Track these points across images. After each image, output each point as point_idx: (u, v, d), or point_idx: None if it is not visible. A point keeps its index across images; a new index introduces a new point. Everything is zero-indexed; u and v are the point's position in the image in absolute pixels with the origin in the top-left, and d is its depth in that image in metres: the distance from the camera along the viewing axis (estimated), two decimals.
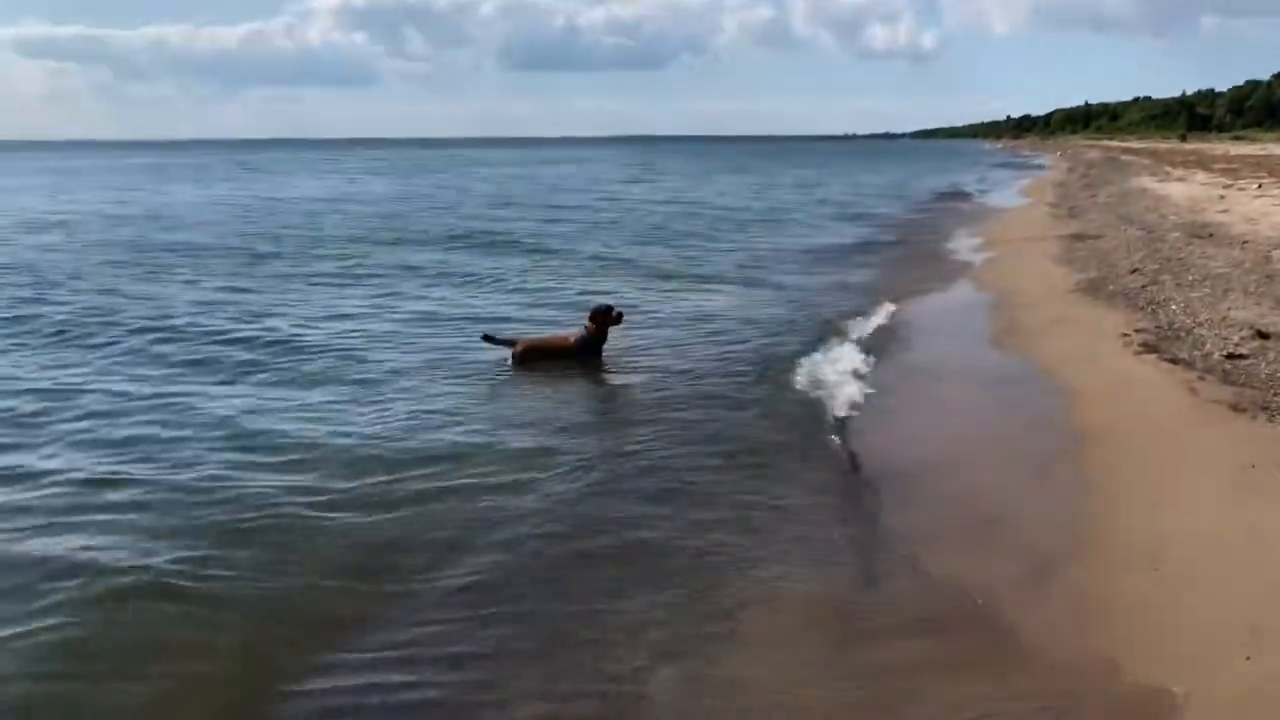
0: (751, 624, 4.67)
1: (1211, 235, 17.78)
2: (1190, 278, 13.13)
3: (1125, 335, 9.96)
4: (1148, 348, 9.34)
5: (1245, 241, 16.51)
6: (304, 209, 32.37)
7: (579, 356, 10.38)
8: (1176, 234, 18.32)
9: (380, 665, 4.32)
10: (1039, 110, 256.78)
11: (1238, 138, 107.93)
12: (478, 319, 12.37)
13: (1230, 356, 8.79)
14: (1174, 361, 8.74)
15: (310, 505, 5.99)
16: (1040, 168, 64.24)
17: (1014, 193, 38.27)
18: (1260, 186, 27.84)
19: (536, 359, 10.30)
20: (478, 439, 7.45)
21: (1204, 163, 48.01)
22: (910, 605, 4.82)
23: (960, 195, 37.90)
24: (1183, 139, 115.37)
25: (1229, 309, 10.85)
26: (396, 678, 4.23)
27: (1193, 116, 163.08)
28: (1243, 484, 5.86)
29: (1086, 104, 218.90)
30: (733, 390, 8.97)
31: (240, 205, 34.68)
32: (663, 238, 22.82)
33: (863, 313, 12.64)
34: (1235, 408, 7.27)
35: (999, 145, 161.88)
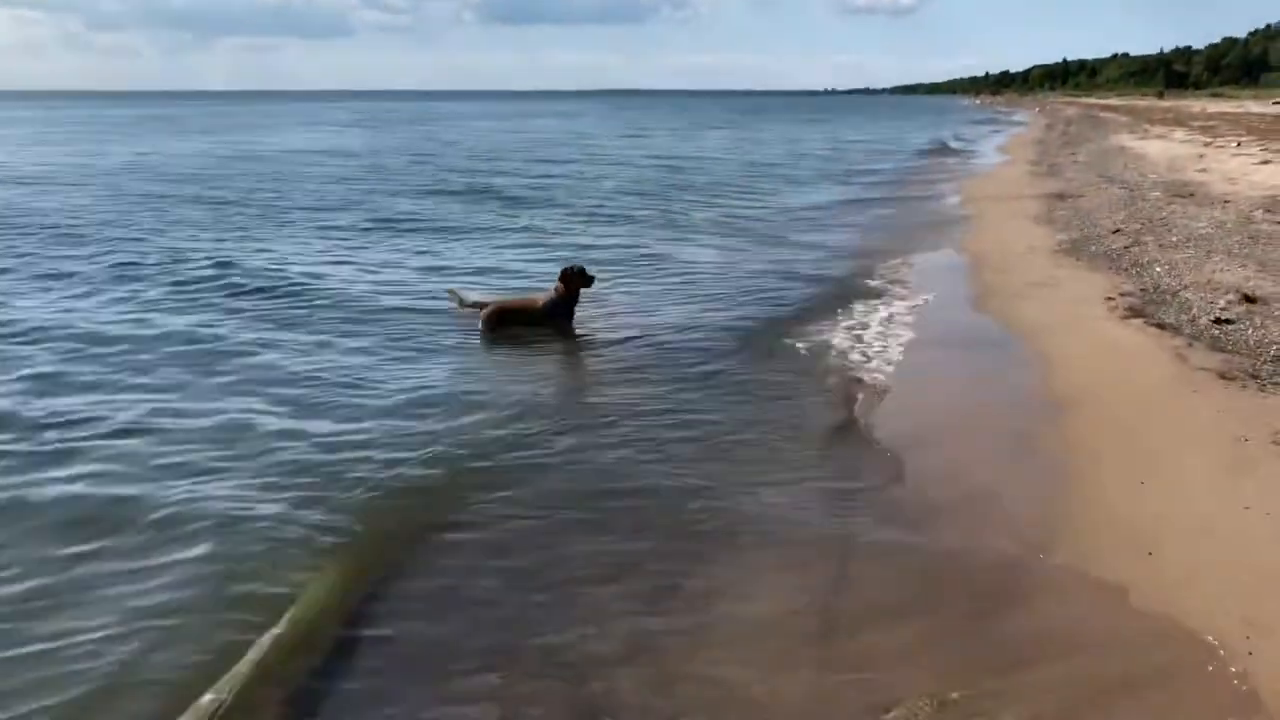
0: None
1: (1192, 195, 17.57)
2: (1173, 238, 12.90)
3: (1110, 299, 9.71)
4: (1133, 311, 9.10)
5: (1226, 201, 16.30)
6: (300, 161, 32.02)
7: (550, 320, 10.04)
8: (1157, 193, 18.10)
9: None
10: (1017, 67, 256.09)
11: (1215, 95, 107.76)
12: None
13: (1217, 321, 8.56)
14: (1160, 326, 8.50)
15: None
16: (1019, 124, 63.83)
17: (993, 149, 37.93)
18: (1239, 145, 27.65)
19: (506, 322, 9.96)
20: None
21: (1182, 120, 47.83)
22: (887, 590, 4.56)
23: (941, 152, 37.46)
24: (1160, 96, 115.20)
25: (1214, 271, 10.62)
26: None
27: (1170, 74, 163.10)
28: (1235, 460, 5.61)
29: (1065, 61, 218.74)
30: (722, 358, 8.63)
31: (238, 157, 34.11)
32: (657, 193, 22.41)
33: (851, 274, 12.34)
34: (1224, 376, 7.03)
35: (977, 101, 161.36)
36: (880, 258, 13.33)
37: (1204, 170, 21.81)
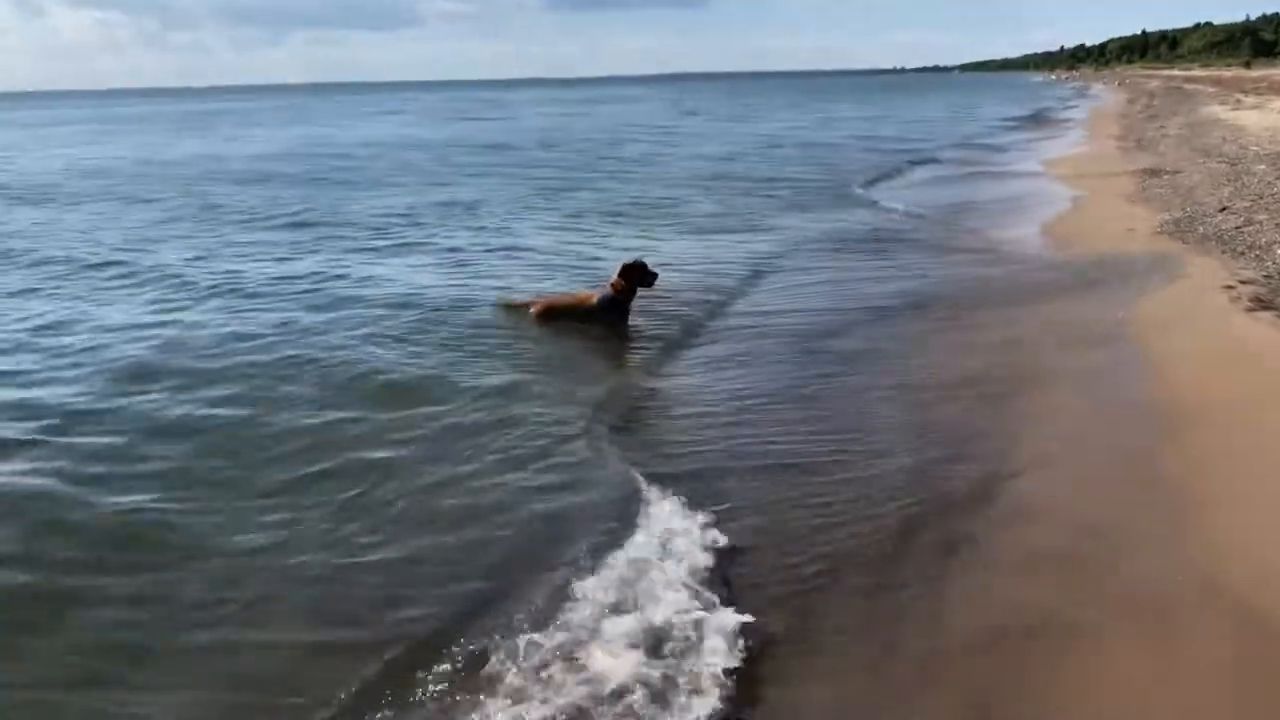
0: None
1: None
2: None
3: (1229, 287, 8.62)
4: (1260, 302, 8.02)
5: None
6: (388, 151, 31.73)
7: (603, 318, 9.25)
8: (1263, 166, 16.68)
9: None
10: (1093, 40, 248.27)
11: None
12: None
13: None
14: None
15: None
16: (1098, 99, 61.35)
17: (1076, 126, 36.19)
18: None
19: (556, 319, 9.23)
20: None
21: (1277, 89, 45.30)
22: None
23: (1024, 126, 35.85)
24: (1247, 66, 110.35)
25: None
26: None
27: (1257, 42, 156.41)
28: None
29: (1144, 32, 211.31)
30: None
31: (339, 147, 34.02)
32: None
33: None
34: None
35: (1053, 77, 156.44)
36: (969, 242, 12.33)
37: None
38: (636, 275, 9.35)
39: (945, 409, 6.43)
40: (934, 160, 24.67)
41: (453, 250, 12.89)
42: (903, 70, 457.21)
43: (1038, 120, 41.41)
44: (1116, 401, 6.39)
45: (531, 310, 9.36)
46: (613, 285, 9.32)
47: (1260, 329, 7.33)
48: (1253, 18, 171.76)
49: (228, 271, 11.39)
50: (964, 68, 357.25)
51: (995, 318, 8.80)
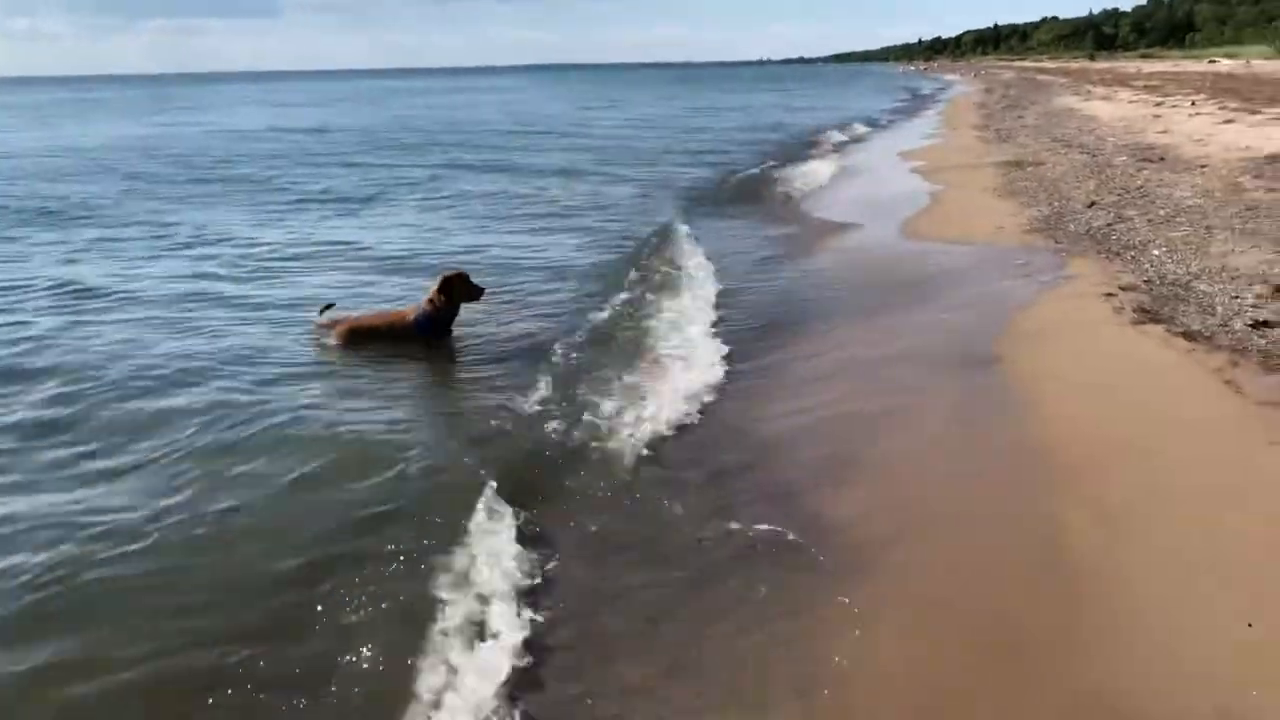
0: None
1: (1162, 159, 15.86)
2: (1161, 212, 11.08)
3: (1110, 295, 7.79)
4: (1145, 313, 7.17)
5: (1203, 166, 14.59)
6: (274, 139, 29.34)
7: (421, 336, 7.95)
8: (1123, 158, 16.37)
9: None
10: (949, 32, 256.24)
11: (1144, 56, 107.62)
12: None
13: (1256, 325, 6.68)
14: (1188, 336, 6.58)
15: None
16: (957, 89, 62.35)
17: (935, 115, 36.20)
18: (1194, 104, 26.14)
19: (364, 341, 7.88)
20: None
21: (1123, 81, 46.63)
22: None
23: (887, 119, 35.62)
24: (1092, 58, 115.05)
25: (1225, 254, 8.78)
26: None
27: (1100, 36, 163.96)
28: None
29: (996, 25, 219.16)
30: None
31: (206, 137, 31.21)
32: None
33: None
34: None
35: (913, 68, 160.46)
36: (835, 237, 11.35)
37: (1165, 132, 20.18)
38: (458, 289, 8.10)
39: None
40: (794, 152, 23.90)
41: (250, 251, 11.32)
42: (769, 62, 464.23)
43: (902, 110, 41.44)
44: (992, 451, 5.34)
45: (334, 332, 7.98)
46: (430, 301, 8.03)
47: (1151, 347, 6.43)
48: (1094, 13, 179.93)
49: None
50: (829, 59, 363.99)
51: (834, 339, 7.76)
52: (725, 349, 7.37)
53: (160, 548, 4.46)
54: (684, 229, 12.42)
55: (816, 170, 19.39)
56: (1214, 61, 62.14)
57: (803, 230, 12.72)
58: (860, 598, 3.99)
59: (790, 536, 4.46)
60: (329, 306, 8.26)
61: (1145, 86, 38.11)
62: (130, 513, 4.77)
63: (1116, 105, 29.90)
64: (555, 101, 59.45)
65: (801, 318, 8.34)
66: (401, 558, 4.30)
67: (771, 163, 21.06)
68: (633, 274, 9.89)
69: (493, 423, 5.97)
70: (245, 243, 12.14)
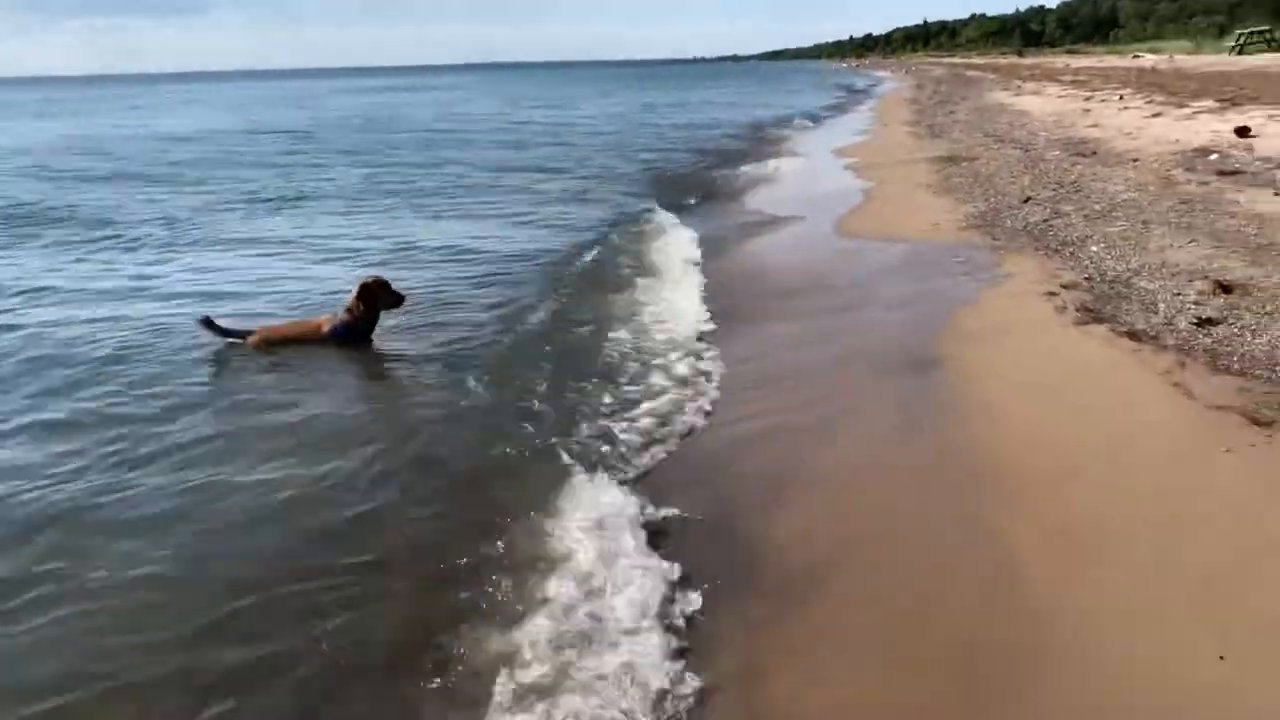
0: None
1: (1095, 153, 15.86)
2: (1096, 206, 10.96)
3: (1051, 293, 7.57)
4: (1088, 312, 6.95)
5: (1135, 159, 14.58)
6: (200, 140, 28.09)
7: (339, 345, 7.56)
8: (1056, 152, 16.35)
9: None
10: (880, 29, 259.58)
11: (1070, 51, 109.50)
12: None
13: (1201, 323, 6.49)
14: (1133, 336, 6.36)
15: None
16: (888, 85, 62.83)
17: (868, 111, 36.29)
18: (1121, 98, 26.41)
19: (278, 351, 7.49)
20: None
21: (1051, 76, 47.20)
22: None
23: (820, 115, 35.58)
24: (1020, 54, 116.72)
25: (1163, 249, 8.63)
26: None
27: (1027, 32, 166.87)
28: None
29: (925, 22, 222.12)
30: None
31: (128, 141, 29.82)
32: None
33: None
34: (1255, 419, 4.88)
35: (844, 65, 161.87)
36: (762, 235, 11.06)
37: (1095, 126, 20.27)
38: (377, 297, 7.74)
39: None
40: (725, 149, 23.66)
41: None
42: (703, 60, 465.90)
43: (838, 106, 41.51)
44: (937, 465, 5.04)
45: (248, 340, 7.56)
46: (348, 309, 7.66)
47: (1096, 348, 6.20)
48: (1021, 10, 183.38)
49: None
50: (761, 57, 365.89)
51: (769, 344, 7.46)
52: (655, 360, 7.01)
53: None
54: (614, 238, 12.04)
55: (753, 168, 19.16)
56: (1138, 56, 63.29)
57: (738, 228, 12.44)
58: (802, 630, 3.66)
59: (727, 564, 4.12)
60: (208, 321, 7.69)
61: (1073, 81, 38.57)
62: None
63: (1047, 100, 30.15)
64: (492, 99, 58.77)
65: (733, 322, 8.01)
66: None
67: (711, 160, 20.81)
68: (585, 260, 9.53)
69: (404, 444, 5.54)
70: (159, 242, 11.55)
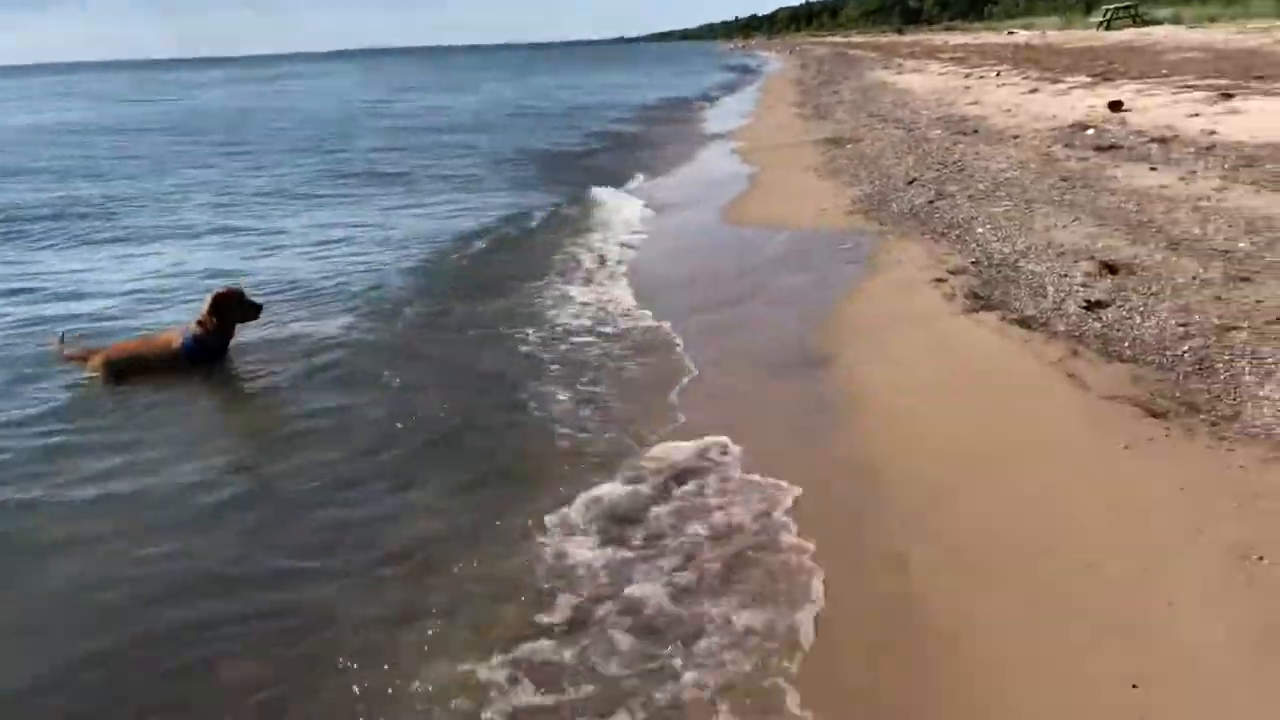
0: None
1: (976, 131, 15.92)
2: (980, 186, 10.89)
3: (939, 280, 7.38)
4: (977, 299, 6.77)
5: (1015, 136, 14.67)
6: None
7: (191, 363, 6.95)
8: (938, 131, 16.37)
9: None
10: (764, 9, 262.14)
11: (948, 28, 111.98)
12: None
13: (1090, 307, 6.36)
14: (1024, 323, 6.18)
15: None
16: (773, 65, 63.22)
17: (754, 91, 36.29)
18: (999, 75, 26.81)
19: (125, 372, 6.82)
20: None
21: (931, 53, 47.91)
22: None
23: (710, 96, 35.42)
24: (900, 32, 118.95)
25: (1049, 230, 8.55)
26: None
27: (906, 10, 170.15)
28: (1263, 620, 3.22)
29: (808, 1, 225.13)
30: None
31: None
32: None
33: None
34: (1151, 410, 4.70)
35: (731, 45, 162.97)
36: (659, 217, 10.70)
37: (976, 103, 20.45)
38: (232, 309, 7.15)
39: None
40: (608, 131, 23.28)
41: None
42: (592, 42, 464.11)
43: (728, 86, 41.47)
44: (828, 480, 4.75)
45: (88, 365, 6.88)
46: (199, 323, 7.04)
47: (988, 338, 5.99)
48: None
49: None
50: (650, 38, 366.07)
51: (633, 347, 7.12)
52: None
53: None
54: (501, 229, 11.56)
55: (642, 153, 18.81)
56: (1012, 33, 64.82)
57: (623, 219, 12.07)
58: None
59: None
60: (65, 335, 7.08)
61: (953, 59, 39.18)
62: None
63: (928, 78, 30.47)
64: (370, 87, 57.17)
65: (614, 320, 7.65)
66: None
67: (602, 144, 20.43)
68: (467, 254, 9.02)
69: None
70: None
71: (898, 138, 15.99)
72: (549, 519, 4.35)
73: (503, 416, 5.70)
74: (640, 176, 15.83)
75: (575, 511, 4.40)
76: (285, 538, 4.40)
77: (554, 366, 6.56)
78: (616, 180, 15.53)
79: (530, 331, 7.37)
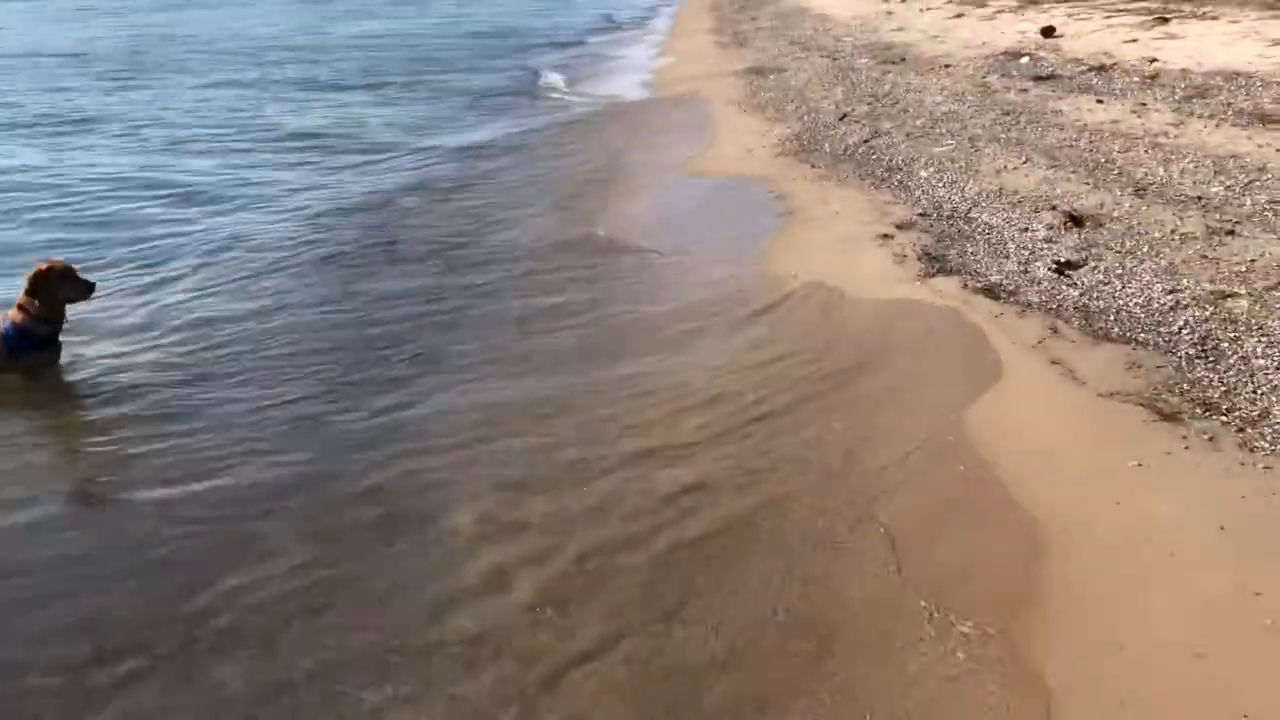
0: None
1: (903, 59, 15.02)
2: (918, 123, 10.02)
3: (885, 236, 6.51)
4: (931, 261, 5.91)
5: (947, 65, 13.80)
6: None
7: (13, 359, 5.71)
8: (865, 60, 15.44)
9: None
10: None
11: None
12: None
13: (1061, 269, 5.54)
14: (990, 293, 5.33)
15: None
16: None
17: (668, 20, 34.82)
18: None
19: None
20: None
21: None
22: None
23: (620, 23, 33.85)
24: None
25: (999, 173, 7.72)
26: None
27: None
28: None
29: None
30: None
31: None
32: None
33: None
34: (1159, 411, 3.90)
35: None
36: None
37: (900, 30, 19.52)
38: (56, 289, 5.82)
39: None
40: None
41: None
42: None
43: (642, 10, 39.80)
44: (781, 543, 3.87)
45: None
46: (20, 307, 5.73)
47: (950, 318, 5.11)
48: None
49: None
50: None
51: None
52: None
53: None
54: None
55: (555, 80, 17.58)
56: None
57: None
58: None
59: None
60: None
61: None
62: None
63: (847, 1, 29.45)
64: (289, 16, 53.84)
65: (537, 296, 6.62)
66: None
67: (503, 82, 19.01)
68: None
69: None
70: None
71: (823, 67, 15.02)
72: None
73: None
74: (554, 113, 14.61)
75: None
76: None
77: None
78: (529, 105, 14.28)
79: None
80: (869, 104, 11.37)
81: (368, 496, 3.97)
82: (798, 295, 5.79)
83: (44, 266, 5.78)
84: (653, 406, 4.57)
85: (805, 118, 11.06)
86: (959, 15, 20.30)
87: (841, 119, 10.68)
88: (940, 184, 7.61)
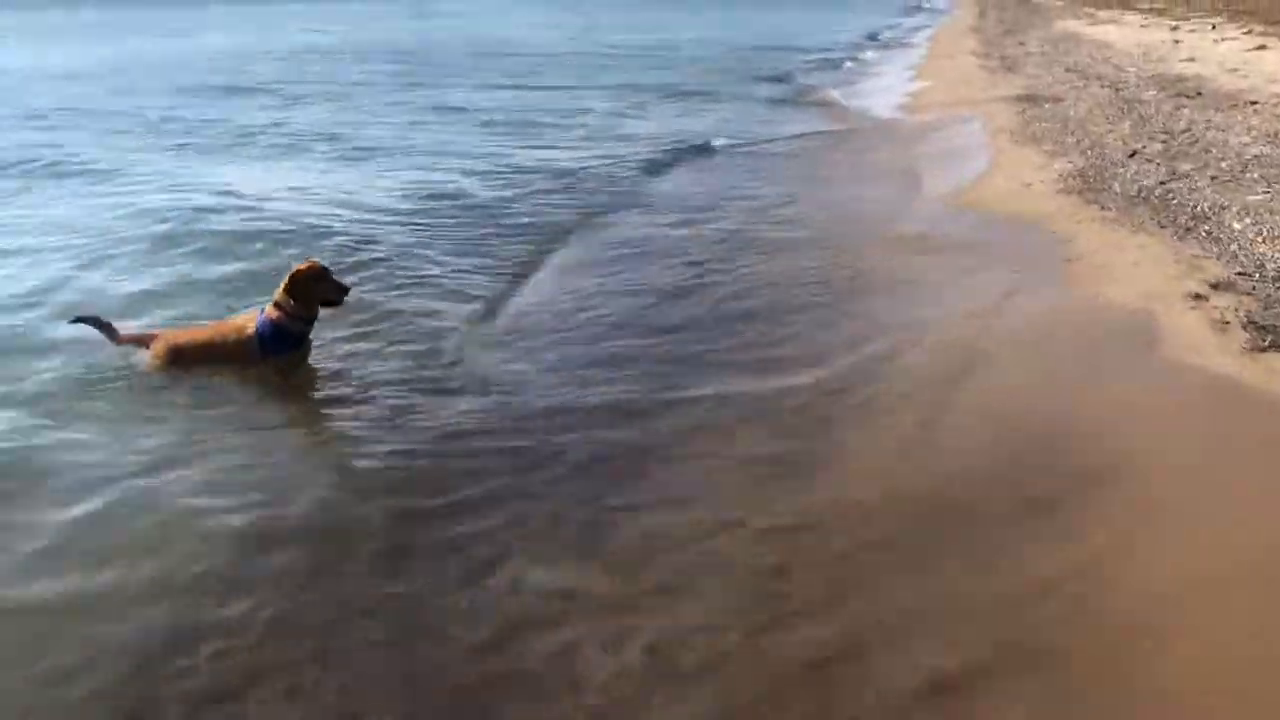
0: None
1: (1199, 93, 13.65)
2: (1224, 165, 8.95)
3: (1197, 296, 5.71)
4: (1261, 331, 5.09)
5: (1253, 102, 12.41)
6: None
7: (265, 355, 5.80)
8: (1153, 92, 14.15)
9: None
10: None
11: None
12: None
13: None
14: None
15: None
16: (946, 10, 59.28)
17: (926, 39, 33.65)
18: (1214, 27, 23.78)
19: (191, 361, 5.75)
20: None
21: (1125, 3, 43.85)
22: None
23: (884, 41, 33.05)
24: None
25: None
26: None
27: None
28: None
29: None
30: None
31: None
32: None
33: None
34: None
35: None
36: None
37: (1192, 60, 17.88)
38: (313, 290, 5.83)
39: None
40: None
41: None
42: None
43: (903, 30, 38.82)
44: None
45: (150, 351, 5.79)
46: (276, 305, 5.78)
47: None
48: None
49: None
50: None
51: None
52: None
53: None
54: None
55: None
56: None
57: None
58: None
59: None
60: (88, 319, 6.00)
61: (1152, 9, 35.49)
62: None
63: (1126, 29, 27.48)
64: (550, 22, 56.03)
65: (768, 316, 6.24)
66: None
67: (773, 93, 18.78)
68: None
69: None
70: None
71: (1105, 98, 13.87)
72: None
73: None
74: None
75: None
76: None
77: None
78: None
79: None
80: (1162, 141, 10.32)
81: None
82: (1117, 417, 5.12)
83: (303, 267, 5.80)
84: None
85: (1088, 152, 10.14)
86: (1261, 47, 18.44)
87: (1131, 156, 9.72)
88: (1260, 238, 6.67)
